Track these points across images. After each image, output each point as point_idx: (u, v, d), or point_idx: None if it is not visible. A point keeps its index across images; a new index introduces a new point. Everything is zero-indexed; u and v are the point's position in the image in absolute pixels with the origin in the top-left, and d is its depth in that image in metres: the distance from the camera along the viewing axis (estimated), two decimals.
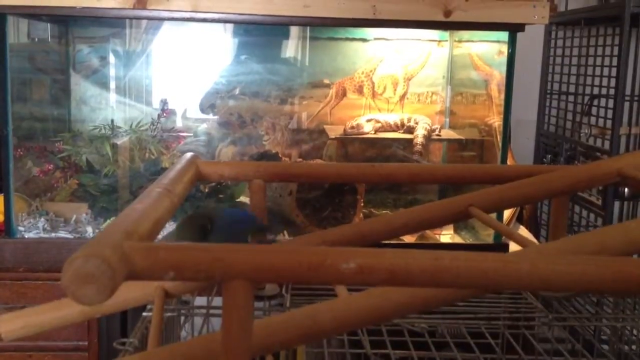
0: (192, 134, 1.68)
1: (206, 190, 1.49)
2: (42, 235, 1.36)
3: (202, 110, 1.72)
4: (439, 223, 0.65)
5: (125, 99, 1.66)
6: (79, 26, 1.67)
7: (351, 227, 0.70)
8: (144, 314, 0.64)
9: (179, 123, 1.69)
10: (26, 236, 1.36)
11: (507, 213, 1.51)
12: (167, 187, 0.55)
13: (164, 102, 1.66)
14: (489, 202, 0.64)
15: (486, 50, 1.66)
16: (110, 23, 1.63)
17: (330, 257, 0.39)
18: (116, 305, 0.61)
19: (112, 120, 1.51)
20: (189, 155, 0.72)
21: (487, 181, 0.68)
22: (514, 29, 1.41)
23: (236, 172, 0.69)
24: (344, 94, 1.76)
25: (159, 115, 1.63)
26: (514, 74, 1.49)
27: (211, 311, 0.72)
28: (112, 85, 1.67)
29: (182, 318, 0.69)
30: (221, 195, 1.53)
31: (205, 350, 0.47)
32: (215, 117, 1.70)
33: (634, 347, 0.70)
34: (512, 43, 1.44)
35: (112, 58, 1.67)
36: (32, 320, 0.60)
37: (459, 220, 0.64)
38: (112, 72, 1.67)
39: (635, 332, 0.70)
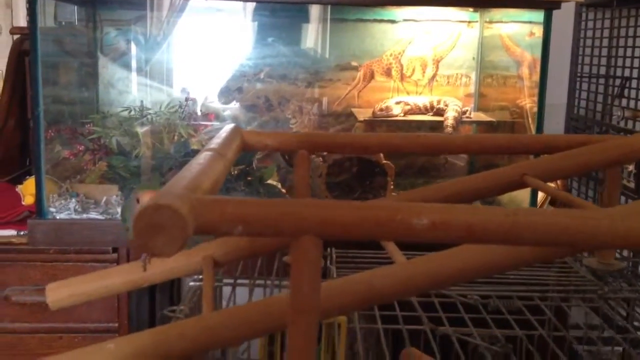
0: (219, 117, 1.67)
1: (235, 172, 1.49)
2: (74, 216, 1.36)
3: (229, 94, 1.72)
4: (492, 192, 0.63)
5: (152, 82, 1.66)
6: (106, 9, 1.67)
7: (401, 195, 0.68)
8: (191, 283, 0.63)
9: (206, 106, 1.68)
10: (57, 217, 1.36)
11: (540, 195, 1.48)
12: (219, 150, 0.53)
13: (187, 93, 1.66)
14: (543, 171, 0.62)
15: (517, 31, 1.63)
16: (137, 5, 1.62)
17: (402, 213, 0.38)
18: (163, 274, 0.60)
19: (142, 102, 1.51)
20: (232, 125, 0.70)
21: (537, 151, 0.66)
22: (549, 7, 1.38)
23: (280, 142, 0.68)
24: (372, 77, 1.74)
25: (186, 98, 1.62)
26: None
27: (256, 282, 0.71)
28: (140, 68, 1.66)
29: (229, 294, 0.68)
30: (249, 178, 1.52)
31: (264, 314, 0.46)
32: (239, 101, 1.69)
33: None
34: (547, 22, 1.41)
35: (139, 41, 1.67)
36: (78, 289, 0.60)
37: (513, 190, 0.62)
38: (139, 54, 1.66)
39: None
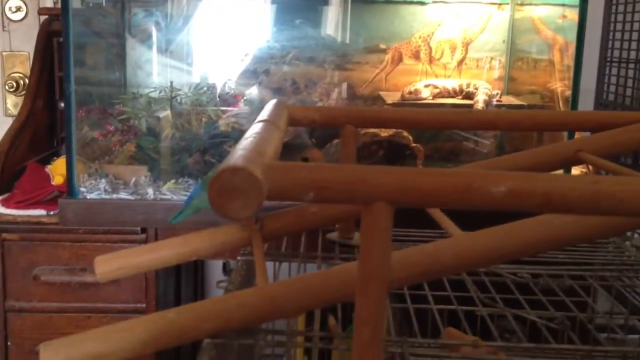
0: (245, 100, 1.66)
1: None
2: (104, 196, 1.36)
3: (256, 76, 1.70)
4: (545, 169, 0.62)
5: (180, 63, 1.65)
6: None
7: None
8: (239, 257, 0.63)
9: (235, 88, 1.67)
10: (88, 197, 1.36)
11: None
12: (272, 121, 0.53)
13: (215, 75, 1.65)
14: (599, 147, 0.60)
15: (549, 14, 1.60)
16: None
17: (479, 180, 0.36)
18: (213, 248, 0.60)
19: (172, 83, 1.50)
20: (275, 100, 0.70)
21: (592, 128, 0.65)
22: None
23: (327, 116, 0.67)
24: (400, 59, 1.72)
25: (213, 84, 1.62)
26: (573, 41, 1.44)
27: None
28: (167, 49, 1.65)
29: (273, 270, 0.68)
30: None
31: (325, 284, 0.45)
32: (266, 84, 1.68)
33: None
34: (583, 4, 1.38)
35: (166, 22, 1.66)
36: (128, 262, 0.60)
37: (567, 166, 0.61)
38: (166, 36, 1.66)
39: None
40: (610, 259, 0.67)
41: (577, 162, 0.60)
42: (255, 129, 0.49)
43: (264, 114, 0.58)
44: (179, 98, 1.47)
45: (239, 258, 0.63)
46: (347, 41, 1.71)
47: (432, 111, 0.71)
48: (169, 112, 1.44)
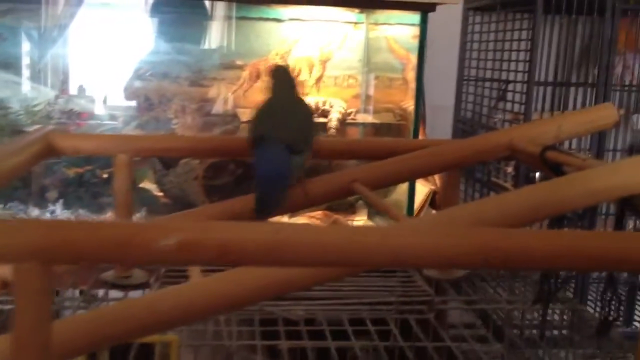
0: (93, 116, 1.58)
1: (105, 175, 1.40)
2: None
3: (108, 92, 1.62)
4: (321, 200, 0.60)
5: (21, 79, 1.54)
6: None
7: (224, 203, 0.64)
8: None
9: (80, 104, 1.58)
10: None
11: (420, 198, 1.48)
12: None
13: (63, 82, 1.55)
14: (373, 177, 0.59)
15: (402, 33, 1.63)
16: None
17: (143, 233, 0.33)
18: None
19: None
20: (44, 128, 0.64)
21: (378, 157, 0.63)
22: (425, 9, 1.38)
23: (96, 145, 0.62)
24: (258, 76, 1.69)
25: (56, 96, 1.52)
26: (432, 60, 1.47)
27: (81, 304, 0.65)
28: (7, 63, 1.54)
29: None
30: None
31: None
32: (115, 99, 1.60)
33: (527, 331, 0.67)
34: (423, 24, 1.41)
35: (7, 34, 1.55)
36: None
37: (345, 197, 0.59)
38: (6, 49, 1.54)
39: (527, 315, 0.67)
40: (396, 289, 0.66)
41: (352, 193, 0.58)
42: None
43: (5, 146, 0.52)
44: (9, 115, 1.37)
45: None
46: (204, 57, 1.67)
47: (215, 138, 0.68)
48: None
